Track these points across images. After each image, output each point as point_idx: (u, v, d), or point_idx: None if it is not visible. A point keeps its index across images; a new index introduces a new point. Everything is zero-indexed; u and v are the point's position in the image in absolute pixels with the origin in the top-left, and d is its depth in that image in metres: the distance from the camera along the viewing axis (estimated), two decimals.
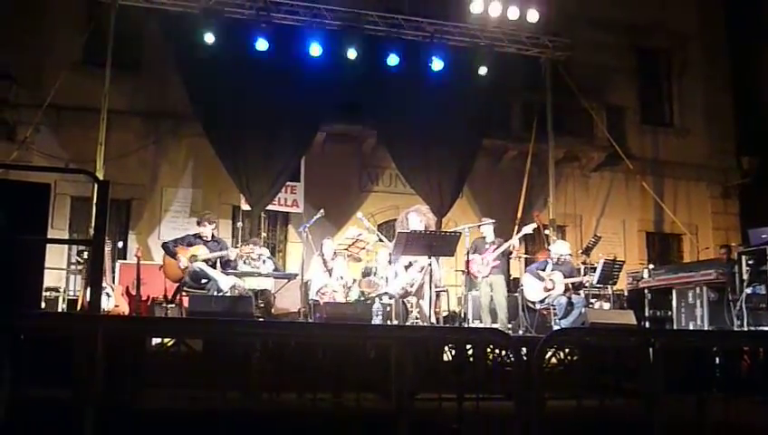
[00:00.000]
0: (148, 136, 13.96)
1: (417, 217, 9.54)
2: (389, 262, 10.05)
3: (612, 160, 15.57)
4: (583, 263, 12.03)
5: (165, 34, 12.86)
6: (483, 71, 13.36)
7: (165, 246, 9.46)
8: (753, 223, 11.58)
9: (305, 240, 10.45)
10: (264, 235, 13.38)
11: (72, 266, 13.14)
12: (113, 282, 10.49)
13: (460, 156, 13.76)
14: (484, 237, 10.75)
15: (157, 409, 4.32)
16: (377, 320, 8.96)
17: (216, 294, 8.93)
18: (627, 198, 16.34)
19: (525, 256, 13.27)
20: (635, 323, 9.67)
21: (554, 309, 10.17)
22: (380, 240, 10.88)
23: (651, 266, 12.42)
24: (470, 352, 7.49)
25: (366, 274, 11.02)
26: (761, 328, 9.17)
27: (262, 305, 9.84)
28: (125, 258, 12.49)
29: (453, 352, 7.57)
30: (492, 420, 3.97)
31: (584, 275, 10.90)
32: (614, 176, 16.26)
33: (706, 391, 3.95)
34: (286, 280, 10.41)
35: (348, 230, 11.43)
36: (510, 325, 10.61)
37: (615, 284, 11.21)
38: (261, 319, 9.10)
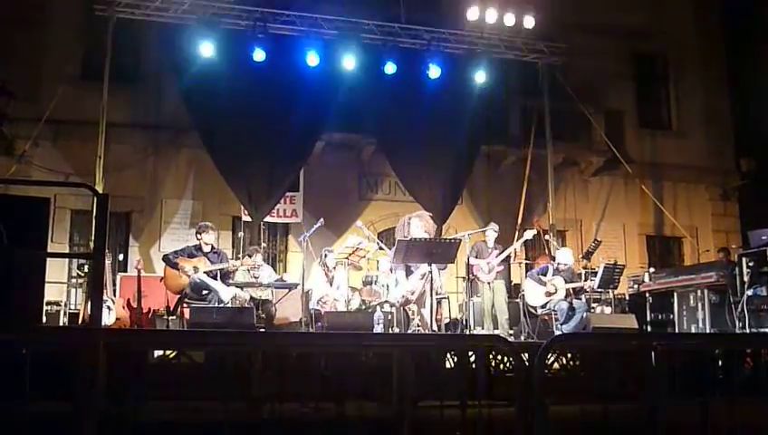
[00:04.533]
0: (146, 148, 13.98)
1: (420, 223, 9.56)
2: (390, 270, 10.05)
3: (611, 165, 15.58)
4: (584, 267, 12.04)
5: (162, 47, 12.90)
6: (480, 77, 13.38)
7: (166, 258, 9.44)
8: (752, 224, 11.58)
9: (305, 250, 10.45)
10: (264, 245, 13.36)
11: (73, 280, 13.14)
12: (114, 295, 10.47)
13: (459, 162, 13.76)
14: (486, 241, 10.79)
15: (159, 421, 4.31)
16: (378, 328, 8.95)
17: (217, 305, 8.91)
18: (626, 202, 16.33)
19: (526, 261, 13.27)
20: (636, 326, 9.67)
21: (556, 314, 10.17)
22: (381, 248, 10.89)
23: (652, 270, 12.38)
24: (472, 358, 7.49)
25: (367, 282, 11.01)
26: (762, 330, 9.16)
27: (263, 316, 9.82)
28: (126, 271, 12.48)
29: (455, 358, 7.57)
30: (494, 427, 3.96)
31: (585, 280, 10.90)
32: (613, 180, 16.25)
33: (709, 393, 3.94)
34: (287, 290, 10.40)
35: (348, 239, 11.41)
36: (512, 331, 10.62)
37: (616, 288, 11.21)
38: (262, 329, 9.09)
